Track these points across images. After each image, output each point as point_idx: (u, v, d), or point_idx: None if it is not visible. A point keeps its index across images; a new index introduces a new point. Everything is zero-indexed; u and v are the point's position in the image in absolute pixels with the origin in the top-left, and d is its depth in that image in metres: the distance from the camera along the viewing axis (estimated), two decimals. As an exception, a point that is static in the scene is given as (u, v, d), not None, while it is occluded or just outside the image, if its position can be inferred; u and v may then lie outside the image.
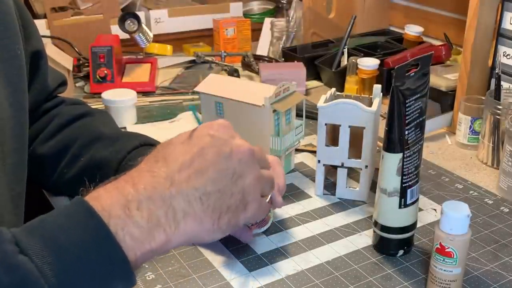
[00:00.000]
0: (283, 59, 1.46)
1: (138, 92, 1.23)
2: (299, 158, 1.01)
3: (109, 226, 0.47)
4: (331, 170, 0.91)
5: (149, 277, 0.70)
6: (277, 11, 1.87)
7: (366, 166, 0.86)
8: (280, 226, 0.81)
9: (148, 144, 0.83)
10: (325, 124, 0.85)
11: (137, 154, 0.80)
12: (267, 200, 0.71)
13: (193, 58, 1.53)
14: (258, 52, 1.58)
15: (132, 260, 0.48)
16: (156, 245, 0.50)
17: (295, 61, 1.36)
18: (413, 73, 0.69)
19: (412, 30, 1.36)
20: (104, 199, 0.49)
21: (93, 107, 0.96)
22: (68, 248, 0.46)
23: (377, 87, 0.89)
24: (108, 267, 0.47)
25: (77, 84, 1.39)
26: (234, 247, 0.76)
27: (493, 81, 1.03)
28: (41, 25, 1.49)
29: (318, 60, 1.37)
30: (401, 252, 0.75)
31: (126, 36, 1.40)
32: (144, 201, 0.50)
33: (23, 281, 0.43)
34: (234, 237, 0.77)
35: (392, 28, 1.54)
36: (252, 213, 0.58)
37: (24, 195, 0.73)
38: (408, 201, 0.72)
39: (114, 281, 0.48)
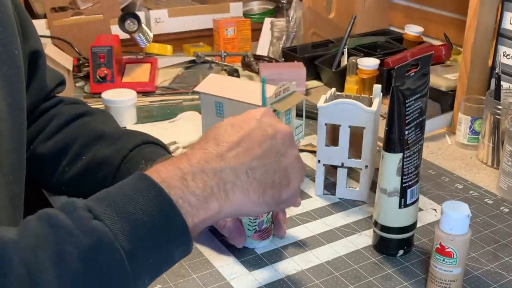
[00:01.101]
0: (283, 59, 1.46)
1: (138, 92, 1.23)
2: (299, 158, 1.01)
3: (170, 195, 0.52)
4: (331, 170, 0.91)
5: (149, 277, 0.70)
6: (277, 11, 1.87)
7: (366, 166, 0.86)
8: (280, 226, 0.81)
9: (150, 142, 0.83)
10: (325, 124, 0.85)
11: (139, 152, 0.80)
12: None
13: (193, 58, 1.53)
14: (258, 52, 1.58)
15: (190, 226, 0.53)
16: (211, 213, 0.55)
17: (295, 61, 1.36)
18: (413, 73, 0.69)
19: (412, 30, 1.36)
20: (163, 172, 0.54)
21: (93, 107, 0.96)
22: (135, 215, 0.50)
23: (377, 87, 0.89)
24: (170, 232, 0.51)
25: (77, 84, 1.38)
26: (234, 247, 0.76)
27: (493, 81, 1.03)
28: (41, 25, 1.49)
29: (318, 60, 1.37)
30: (401, 252, 0.75)
31: (126, 36, 1.40)
32: (198, 173, 0.55)
33: (100, 242, 0.47)
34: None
35: (392, 28, 1.54)
36: (293, 191, 0.62)
37: (22, 196, 0.73)
38: (408, 201, 0.72)
39: (174, 245, 0.52)
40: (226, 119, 0.62)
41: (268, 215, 0.74)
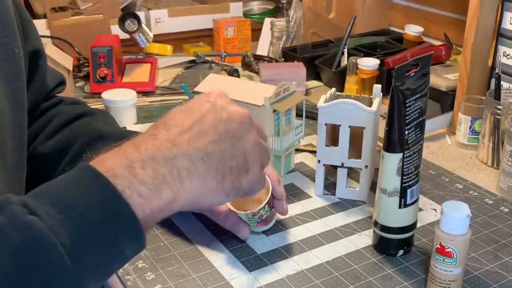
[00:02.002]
0: (283, 59, 1.46)
1: (138, 92, 1.23)
2: (299, 158, 1.01)
3: (115, 185, 0.48)
4: (331, 170, 0.91)
5: (149, 277, 0.70)
6: (277, 11, 1.87)
7: (366, 166, 0.86)
8: (280, 226, 0.81)
9: None
10: (325, 124, 0.85)
11: None
12: (269, 196, 0.72)
13: (193, 58, 1.53)
14: (258, 52, 1.58)
15: (141, 217, 0.49)
16: (164, 202, 0.51)
17: (295, 61, 1.36)
18: (413, 73, 0.69)
19: (412, 30, 1.36)
20: (108, 161, 0.50)
21: (93, 107, 0.96)
22: (75, 208, 0.46)
23: (377, 87, 0.89)
24: (117, 224, 0.48)
25: (77, 84, 1.39)
26: (234, 247, 0.76)
27: (493, 81, 1.03)
28: (41, 25, 1.49)
29: (318, 60, 1.37)
30: (401, 252, 0.75)
31: (126, 36, 1.40)
32: (147, 161, 0.51)
33: (35, 239, 0.44)
34: (234, 235, 0.78)
35: (392, 28, 1.54)
36: (253, 178, 0.59)
37: (23, 194, 0.73)
38: (408, 201, 0.72)
39: (124, 240, 0.49)
40: (176, 107, 0.58)
41: (265, 207, 0.74)
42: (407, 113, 0.69)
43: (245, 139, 0.57)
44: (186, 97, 1.30)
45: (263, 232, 0.79)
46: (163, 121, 0.56)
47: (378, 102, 0.86)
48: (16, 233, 0.44)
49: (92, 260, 0.47)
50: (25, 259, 0.44)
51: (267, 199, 0.73)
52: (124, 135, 0.84)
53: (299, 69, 1.27)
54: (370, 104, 0.87)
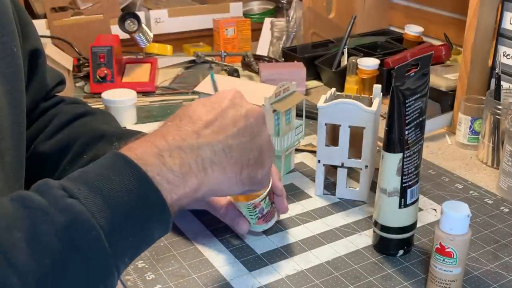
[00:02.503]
0: (283, 59, 1.46)
1: (138, 92, 1.23)
2: (299, 158, 1.01)
3: (146, 172, 0.51)
4: (331, 170, 0.91)
5: (149, 277, 0.70)
6: (277, 11, 1.87)
7: (366, 166, 0.86)
8: (280, 226, 0.81)
9: None
10: (325, 124, 0.85)
11: None
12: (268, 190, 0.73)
13: (193, 58, 1.53)
14: (258, 52, 1.58)
15: (169, 202, 0.52)
16: (189, 190, 0.54)
17: (295, 61, 1.36)
18: (413, 73, 0.69)
19: (412, 30, 1.36)
20: (138, 149, 0.53)
21: (93, 107, 0.96)
22: (111, 193, 0.49)
23: (377, 87, 0.89)
24: (148, 209, 0.50)
25: (77, 84, 1.39)
26: (234, 247, 0.76)
27: (493, 81, 1.03)
28: (41, 25, 1.49)
29: (318, 60, 1.37)
30: (401, 252, 0.75)
31: (126, 36, 1.40)
32: (175, 150, 0.54)
33: (76, 220, 0.46)
34: (234, 234, 0.78)
35: (392, 28, 1.54)
36: (267, 171, 0.63)
37: None
38: (408, 201, 0.72)
39: (153, 223, 0.51)
40: (196, 100, 0.62)
41: (265, 200, 0.74)
42: (407, 113, 0.69)
43: (261, 135, 0.61)
44: (186, 97, 1.30)
45: (263, 232, 0.79)
46: (187, 114, 0.58)
47: (378, 102, 0.86)
48: (58, 215, 0.46)
49: (125, 242, 0.49)
50: (68, 239, 0.46)
51: (267, 190, 0.73)
52: (125, 134, 0.84)
53: (299, 69, 1.27)
54: (370, 104, 0.87)
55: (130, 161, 0.51)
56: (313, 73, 1.39)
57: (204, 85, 0.97)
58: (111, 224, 0.48)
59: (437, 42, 1.35)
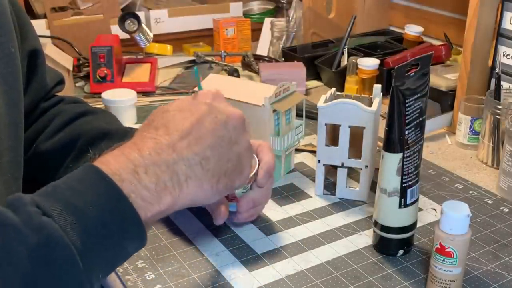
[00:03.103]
0: (283, 59, 1.46)
1: (138, 92, 1.23)
2: (299, 158, 1.01)
3: (122, 189, 0.50)
4: (331, 170, 0.91)
5: (149, 277, 0.70)
6: (277, 11, 1.87)
7: (366, 166, 0.86)
8: (280, 226, 0.81)
9: None
10: (325, 124, 0.85)
11: None
12: (251, 175, 0.72)
13: (193, 58, 1.53)
14: (258, 52, 1.58)
15: (144, 219, 0.52)
16: (164, 207, 0.53)
17: (295, 61, 1.36)
18: (413, 73, 0.69)
19: (412, 30, 1.36)
20: (113, 164, 0.52)
21: (93, 106, 0.96)
22: (85, 210, 0.48)
23: (377, 87, 0.89)
24: (122, 226, 0.50)
25: (77, 84, 1.39)
26: (234, 247, 0.76)
27: (493, 81, 1.03)
28: (41, 25, 1.49)
29: (318, 60, 1.37)
30: (401, 252, 0.75)
31: (126, 36, 1.40)
32: (150, 166, 0.53)
33: (49, 239, 0.46)
34: (234, 234, 0.78)
35: (392, 28, 1.54)
36: (245, 177, 0.62)
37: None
38: (408, 201, 0.72)
39: (128, 240, 0.51)
40: (173, 102, 0.60)
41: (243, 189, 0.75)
42: (407, 113, 0.69)
43: (240, 142, 0.60)
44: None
45: (263, 232, 0.79)
46: (164, 122, 0.57)
47: (378, 102, 0.86)
48: (32, 234, 0.46)
49: (99, 259, 0.49)
50: (40, 259, 0.45)
51: (253, 172, 0.72)
52: (127, 133, 0.84)
53: (299, 69, 1.27)
54: (370, 104, 0.87)
55: (105, 177, 0.50)
56: (313, 73, 1.39)
57: (204, 85, 0.97)
58: (85, 242, 0.47)
59: (437, 42, 1.35)
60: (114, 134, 0.83)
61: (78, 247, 0.47)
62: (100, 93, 1.19)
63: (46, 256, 0.45)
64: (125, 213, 0.50)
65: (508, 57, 1.03)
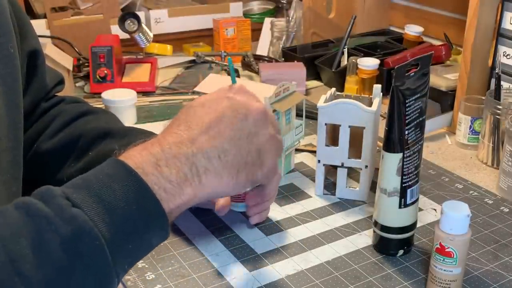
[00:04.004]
0: (283, 59, 1.46)
1: (138, 92, 1.23)
2: (299, 158, 1.01)
3: (146, 182, 0.52)
4: (331, 170, 0.91)
5: (149, 277, 0.70)
6: (277, 11, 1.87)
7: (366, 166, 0.86)
8: (280, 226, 0.81)
9: None
10: (325, 124, 0.85)
11: None
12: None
13: (193, 58, 1.53)
14: (258, 52, 1.58)
15: (167, 211, 0.53)
16: (186, 198, 0.55)
17: (295, 61, 1.36)
18: (413, 73, 0.69)
19: (412, 30, 1.36)
20: (137, 157, 0.54)
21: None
22: (113, 202, 0.50)
23: (377, 87, 0.89)
24: (148, 219, 0.52)
25: (77, 84, 1.39)
26: (234, 247, 0.76)
27: (493, 81, 1.03)
28: (41, 25, 1.49)
29: (318, 60, 1.37)
30: (401, 252, 0.75)
31: (126, 36, 1.40)
32: (170, 159, 0.55)
33: (80, 230, 0.47)
34: (234, 234, 0.78)
35: (392, 28, 1.54)
36: (268, 170, 0.63)
37: (20, 194, 0.73)
38: (408, 201, 0.72)
39: (152, 232, 0.52)
40: (199, 97, 0.61)
41: None
42: (407, 113, 0.69)
43: (260, 135, 0.61)
44: (186, 97, 1.30)
45: (263, 232, 0.79)
46: (186, 118, 0.59)
47: (378, 102, 0.86)
48: (63, 225, 0.47)
49: (125, 251, 0.51)
50: (72, 250, 0.47)
51: None
52: (129, 132, 0.84)
53: (299, 69, 1.27)
54: (370, 104, 0.87)
55: (131, 171, 0.52)
56: (313, 73, 1.39)
57: (204, 85, 0.97)
58: (113, 233, 0.49)
59: (437, 42, 1.35)
60: (115, 134, 0.83)
61: (107, 238, 0.48)
62: (100, 93, 1.19)
63: (77, 247, 0.47)
64: (150, 205, 0.52)
65: (508, 57, 1.03)
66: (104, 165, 0.54)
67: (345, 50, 1.32)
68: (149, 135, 0.84)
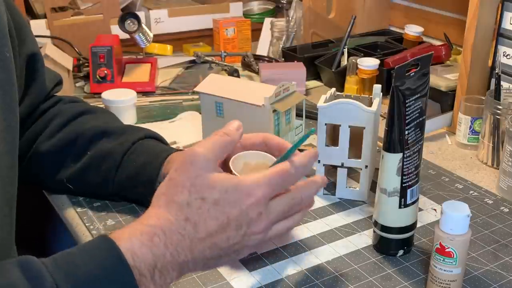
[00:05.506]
0: (283, 59, 1.46)
1: (138, 92, 1.23)
2: (299, 158, 1.01)
3: (138, 284, 0.53)
4: (331, 170, 0.91)
5: (149, 277, 0.70)
6: (277, 11, 1.87)
7: (366, 166, 0.86)
8: (280, 226, 0.81)
9: (152, 137, 0.85)
10: (325, 124, 0.85)
11: (141, 145, 0.82)
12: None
13: (193, 58, 1.53)
14: (258, 52, 1.58)
15: None
16: None
17: (295, 61, 1.36)
18: (413, 73, 0.69)
19: (412, 30, 1.36)
20: (138, 253, 0.54)
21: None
22: None
23: (377, 87, 0.89)
24: None
25: (77, 84, 1.39)
26: (234, 247, 0.76)
27: (493, 81, 1.03)
28: (41, 25, 1.49)
29: (318, 60, 1.37)
30: (401, 252, 0.75)
31: (126, 36, 1.40)
32: (167, 265, 0.56)
33: None
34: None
35: (392, 28, 1.54)
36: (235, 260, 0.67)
37: (16, 197, 0.73)
38: (408, 201, 0.72)
39: None
40: (215, 186, 0.58)
41: None
42: (407, 113, 0.69)
43: (248, 246, 0.61)
44: (186, 97, 1.30)
45: (263, 232, 0.79)
46: (196, 219, 0.57)
47: (378, 102, 0.86)
48: None
49: None
50: None
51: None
52: (125, 130, 0.85)
53: (299, 69, 1.27)
54: (370, 104, 0.87)
55: (127, 272, 0.52)
56: (313, 73, 1.39)
57: (204, 85, 0.97)
58: None
59: (437, 42, 1.35)
60: (112, 133, 0.84)
61: None
62: (100, 93, 1.19)
63: None
64: None
65: (508, 57, 1.03)
66: (101, 253, 0.53)
67: (345, 50, 1.32)
68: (147, 132, 0.85)
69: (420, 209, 0.84)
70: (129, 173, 0.81)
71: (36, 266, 0.51)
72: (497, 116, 0.97)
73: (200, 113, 1.03)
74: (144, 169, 0.79)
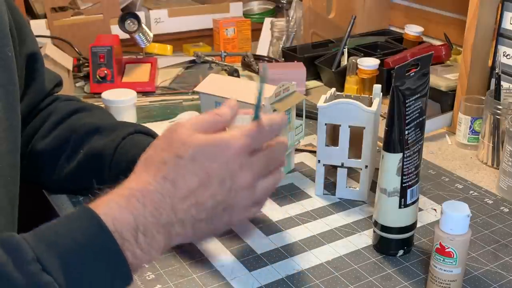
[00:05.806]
0: (283, 59, 1.46)
1: (138, 92, 1.23)
2: (299, 158, 1.01)
3: (122, 251, 0.53)
4: (331, 170, 0.91)
5: (149, 277, 0.70)
6: (277, 11, 1.87)
7: (366, 166, 0.86)
8: (280, 226, 0.81)
9: (143, 132, 0.84)
10: (325, 124, 0.85)
11: (132, 139, 0.81)
12: None
13: (193, 58, 1.53)
14: (258, 52, 1.58)
15: (133, 272, 0.55)
16: (152, 259, 0.56)
17: (295, 61, 1.36)
18: (413, 73, 0.69)
19: (412, 30, 1.36)
20: (118, 219, 0.53)
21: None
22: (85, 270, 0.51)
23: (377, 87, 0.89)
24: (115, 282, 0.53)
25: (77, 84, 1.39)
26: (234, 247, 0.76)
27: (493, 81, 1.03)
28: (41, 25, 1.49)
29: (318, 60, 1.37)
30: (401, 252, 0.75)
31: (126, 36, 1.40)
32: (149, 226, 0.55)
33: None
34: (234, 234, 0.78)
35: (392, 28, 1.54)
36: (236, 221, 0.63)
37: (18, 196, 0.73)
38: (408, 201, 0.72)
39: None
40: (192, 143, 0.57)
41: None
42: (407, 113, 0.69)
43: (236, 207, 0.59)
44: (186, 97, 1.30)
45: (263, 232, 0.79)
46: (173, 175, 0.56)
47: (378, 102, 0.86)
48: None
49: None
50: None
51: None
52: (117, 127, 0.85)
53: (299, 69, 1.27)
54: (370, 104, 0.87)
55: (108, 237, 0.52)
56: (313, 73, 1.39)
57: (204, 85, 0.97)
58: None
59: (437, 42, 1.35)
60: (104, 129, 0.84)
61: None
62: (100, 93, 1.19)
63: None
64: (120, 269, 0.53)
65: (508, 57, 1.03)
66: (82, 221, 0.53)
67: (345, 50, 1.32)
68: (137, 127, 0.85)
69: (420, 209, 0.84)
70: (121, 168, 0.80)
71: (16, 240, 0.51)
72: (497, 116, 0.97)
73: (200, 113, 1.03)
74: (134, 164, 0.79)
